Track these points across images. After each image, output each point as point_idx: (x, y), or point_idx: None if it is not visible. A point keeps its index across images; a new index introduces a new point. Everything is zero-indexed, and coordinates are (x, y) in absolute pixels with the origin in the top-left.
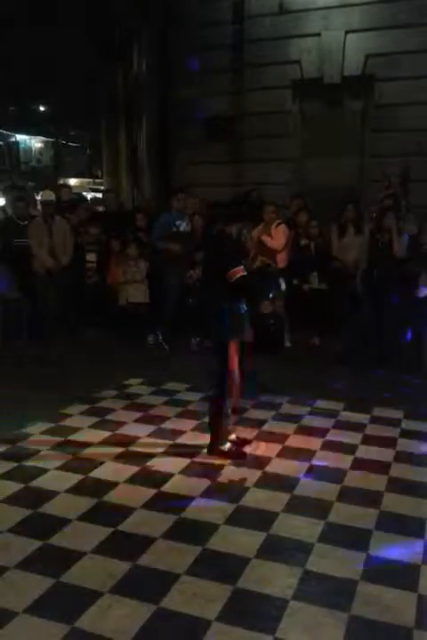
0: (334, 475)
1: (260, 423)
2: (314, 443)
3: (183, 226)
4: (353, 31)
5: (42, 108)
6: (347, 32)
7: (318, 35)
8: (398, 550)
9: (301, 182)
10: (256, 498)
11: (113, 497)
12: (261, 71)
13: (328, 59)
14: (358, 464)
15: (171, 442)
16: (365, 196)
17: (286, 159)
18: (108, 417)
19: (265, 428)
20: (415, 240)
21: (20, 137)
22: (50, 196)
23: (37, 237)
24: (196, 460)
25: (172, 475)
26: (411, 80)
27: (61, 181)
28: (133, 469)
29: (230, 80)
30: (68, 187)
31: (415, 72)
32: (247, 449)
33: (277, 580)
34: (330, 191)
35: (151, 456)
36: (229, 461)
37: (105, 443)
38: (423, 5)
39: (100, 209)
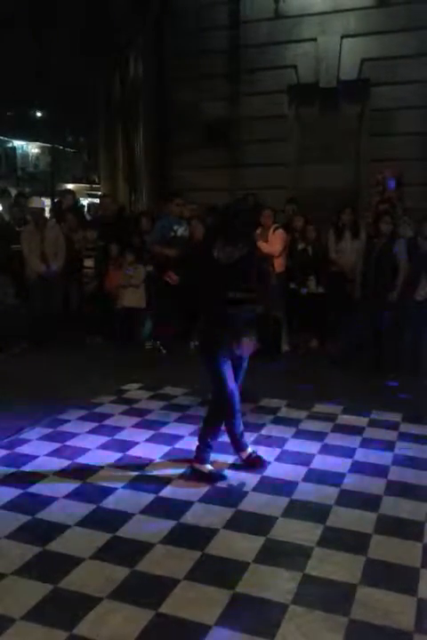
0: (333, 478)
1: (258, 427)
2: (312, 446)
3: (181, 231)
4: (349, 36)
5: (39, 114)
6: (343, 37)
7: (314, 39)
8: (397, 554)
9: (298, 186)
10: (255, 502)
11: (111, 502)
12: (258, 76)
13: (324, 63)
14: (357, 467)
15: (169, 447)
16: (362, 199)
17: (283, 163)
18: (106, 422)
19: (263, 431)
20: (413, 243)
21: (17, 142)
22: (40, 202)
23: (28, 243)
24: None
25: (170, 480)
26: (407, 84)
27: (66, 186)
28: (132, 474)
29: (227, 85)
30: (72, 193)
31: (411, 76)
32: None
33: (276, 584)
34: (327, 195)
35: (150, 461)
36: (226, 467)
37: (103, 448)
38: (419, 10)
39: (88, 217)
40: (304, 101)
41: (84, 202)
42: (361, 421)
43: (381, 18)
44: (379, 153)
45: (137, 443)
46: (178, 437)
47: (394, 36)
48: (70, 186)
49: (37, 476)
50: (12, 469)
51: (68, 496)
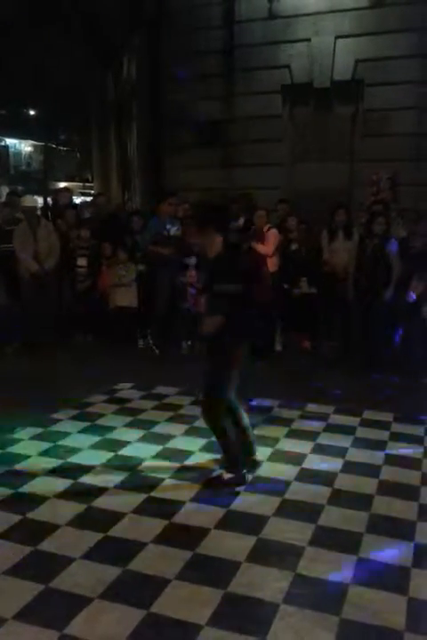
0: (325, 478)
1: (251, 427)
2: (305, 446)
3: (174, 230)
4: (343, 36)
5: (32, 112)
6: (337, 37)
7: (309, 40)
8: (388, 553)
9: (291, 187)
10: (247, 502)
11: (103, 502)
12: (252, 76)
13: (318, 63)
14: (349, 467)
15: (161, 446)
16: (355, 200)
17: (277, 163)
18: (98, 422)
19: (256, 431)
20: (406, 243)
21: (9, 141)
22: (33, 201)
23: (21, 242)
24: (186, 464)
25: (162, 479)
26: (400, 85)
27: (59, 185)
28: (123, 474)
29: (221, 85)
30: (68, 190)
31: (405, 77)
32: None
33: (267, 583)
34: (321, 195)
35: (141, 461)
36: (218, 466)
37: (95, 447)
38: (412, 11)
39: (87, 215)
40: (298, 101)
41: (77, 200)
42: (353, 421)
43: (375, 19)
44: (373, 153)
45: (129, 442)
46: (170, 437)
47: (388, 37)
48: (63, 184)
49: (29, 476)
50: (4, 469)
51: (60, 496)
